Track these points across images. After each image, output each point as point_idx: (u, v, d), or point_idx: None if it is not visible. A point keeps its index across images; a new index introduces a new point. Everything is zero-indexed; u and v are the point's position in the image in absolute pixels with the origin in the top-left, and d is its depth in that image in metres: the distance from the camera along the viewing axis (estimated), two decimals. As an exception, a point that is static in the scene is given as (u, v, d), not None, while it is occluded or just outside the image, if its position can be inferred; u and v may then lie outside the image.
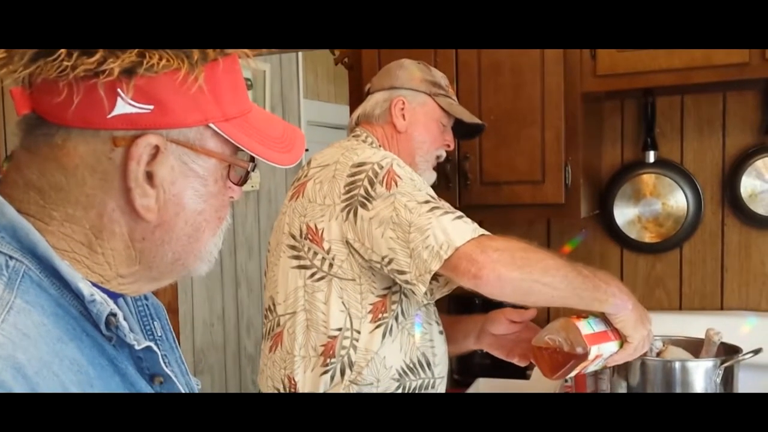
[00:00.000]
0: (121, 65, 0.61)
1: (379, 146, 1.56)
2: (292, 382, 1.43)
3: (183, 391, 0.74)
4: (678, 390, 1.51)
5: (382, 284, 1.42)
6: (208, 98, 0.66)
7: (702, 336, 1.59)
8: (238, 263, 3.08)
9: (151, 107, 0.64)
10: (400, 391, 1.44)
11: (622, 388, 1.59)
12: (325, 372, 1.41)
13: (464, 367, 2.18)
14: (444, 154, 1.67)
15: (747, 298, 2.12)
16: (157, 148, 0.65)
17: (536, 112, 1.93)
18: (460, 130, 1.69)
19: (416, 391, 1.46)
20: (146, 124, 0.64)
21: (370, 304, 1.41)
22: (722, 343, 1.58)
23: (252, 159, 0.72)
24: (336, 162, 1.42)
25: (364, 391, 1.41)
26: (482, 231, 1.30)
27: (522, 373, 2.14)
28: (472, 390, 1.90)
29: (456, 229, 1.28)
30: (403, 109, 1.58)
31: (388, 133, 1.59)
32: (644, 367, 1.53)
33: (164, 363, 0.71)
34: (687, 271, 2.17)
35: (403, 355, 1.44)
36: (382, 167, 1.36)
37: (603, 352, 1.39)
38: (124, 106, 0.63)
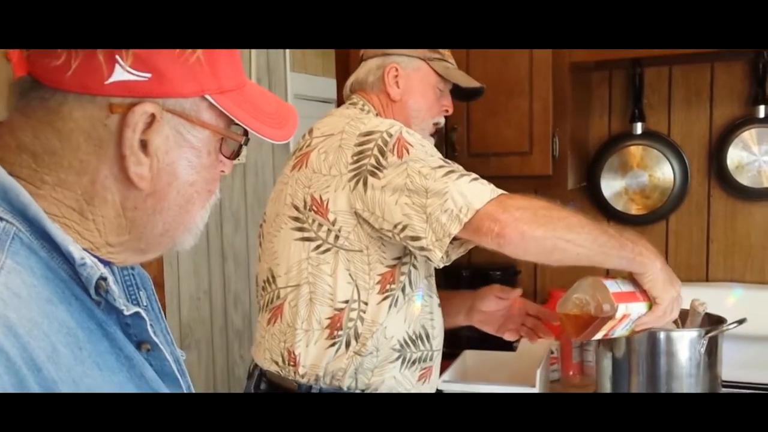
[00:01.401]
0: None
1: (377, 115, 1.53)
2: (292, 355, 1.42)
3: (169, 359, 0.74)
4: (663, 359, 1.52)
5: (392, 254, 1.40)
6: (205, 70, 0.66)
7: (687, 307, 1.59)
8: (225, 237, 3.06)
9: (149, 75, 0.64)
10: (399, 361, 1.44)
11: (607, 359, 1.60)
12: (332, 345, 1.40)
13: (452, 339, 2.17)
14: (443, 121, 1.63)
15: (732, 269, 2.13)
16: (152, 117, 0.65)
17: (524, 83, 1.92)
18: (459, 92, 1.65)
19: (416, 363, 1.46)
20: (143, 92, 0.64)
21: (378, 275, 1.39)
22: (707, 314, 1.59)
23: (245, 133, 0.72)
24: (341, 131, 1.39)
25: (365, 362, 1.41)
26: (500, 191, 1.29)
27: (509, 346, 2.15)
28: (458, 362, 1.91)
29: (474, 191, 1.27)
30: (396, 76, 1.54)
31: (383, 102, 1.56)
32: (629, 337, 1.53)
33: (152, 331, 0.71)
34: (673, 243, 2.18)
35: (406, 327, 1.44)
36: (391, 135, 1.34)
37: (631, 312, 1.35)
38: (122, 73, 0.63)
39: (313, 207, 1.38)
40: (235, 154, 0.74)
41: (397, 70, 1.54)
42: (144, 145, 0.66)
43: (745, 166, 2.06)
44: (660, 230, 2.18)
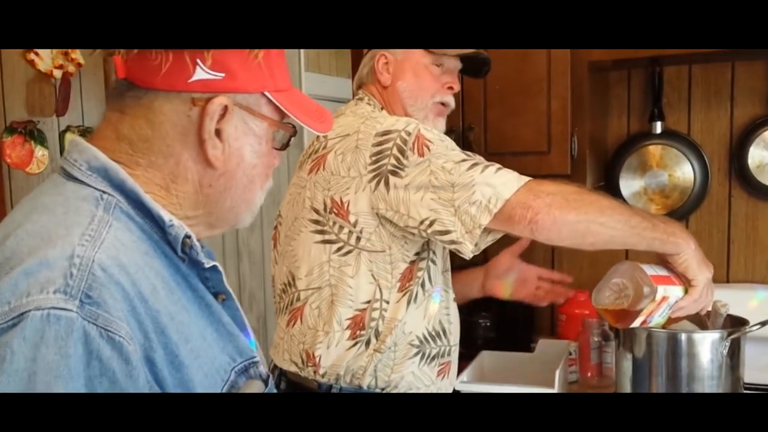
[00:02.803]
0: None
1: (382, 108, 1.52)
2: (312, 356, 1.42)
3: (240, 311, 0.87)
4: (684, 361, 1.50)
5: (414, 250, 1.40)
6: (265, 72, 0.81)
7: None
8: (240, 237, 3.07)
9: (223, 75, 0.78)
10: (419, 358, 1.43)
11: (627, 360, 1.58)
12: (354, 345, 1.39)
13: (468, 339, 2.17)
14: (450, 99, 1.56)
15: (753, 270, 2.10)
16: (225, 108, 0.79)
17: (542, 82, 1.91)
18: (470, 69, 1.60)
19: (435, 359, 1.46)
20: (218, 88, 0.78)
21: (400, 273, 1.39)
22: (729, 315, 1.56)
23: (293, 127, 0.86)
24: (357, 131, 1.38)
25: (384, 359, 1.40)
26: (526, 178, 1.29)
27: (526, 346, 2.14)
28: (476, 362, 1.89)
29: (501, 181, 1.27)
30: (387, 63, 1.52)
31: (379, 91, 1.54)
32: (650, 338, 1.52)
33: (226, 283, 0.85)
34: (693, 244, 2.15)
35: (426, 323, 1.43)
36: (409, 134, 1.33)
37: (669, 295, 1.33)
38: (201, 73, 0.77)
39: (334, 209, 1.38)
40: (284, 146, 0.87)
41: (386, 57, 1.53)
42: (218, 133, 0.80)
43: (767, 166, 2.04)
44: (679, 230, 2.16)
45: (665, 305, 1.35)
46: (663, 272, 1.35)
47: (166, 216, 0.79)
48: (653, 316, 1.36)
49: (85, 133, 2.27)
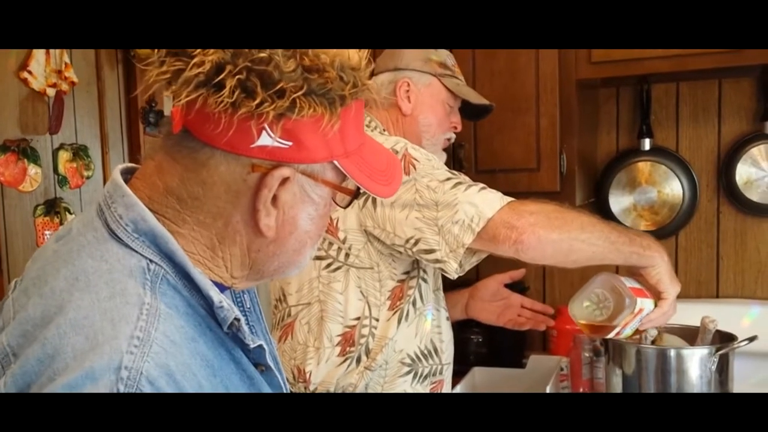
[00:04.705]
0: (276, 110, 0.69)
1: (383, 131, 1.53)
2: (302, 372, 1.42)
3: (278, 377, 0.84)
4: (673, 377, 1.50)
5: (402, 269, 1.41)
6: (337, 138, 0.74)
7: (697, 324, 1.58)
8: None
9: (290, 144, 0.72)
10: (411, 376, 1.44)
11: (617, 376, 1.59)
12: (344, 361, 1.40)
13: (460, 356, 2.17)
14: (453, 136, 1.63)
15: (742, 285, 2.12)
16: (286, 179, 0.73)
17: (531, 100, 1.93)
18: (468, 111, 1.65)
19: (427, 378, 1.46)
20: (283, 157, 0.72)
21: (389, 291, 1.40)
22: (717, 331, 1.57)
23: (357, 189, 0.80)
24: None
25: (375, 377, 1.41)
26: (509, 198, 1.30)
27: (518, 362, 2.14)
28: (467, 378, 1.90)
29: (484, 200, 1.28)
30: (408, 91, 1.54)
31: (393, 117, 1.56)
32: (639, 354, 1.53)
33: (269, 358, 0.81)
34: (682, 259, 2.17)
35: (418, 341, 1.44)
36: (397, 152, 1.34)
37: (644, 307, 1.33)
38: (267, 139, 0.71)
39: None
40: (347, 204, 0.82)
41: (408, 85, 1.54)
42: (274, 199, 0.74)
43: (754, 182, 2.06)
44: (669, 247, 2.17)
45: (638, 318, 1.36)
46: (635, 285, 1.36)
47: (215, 297, 0.73)
48: (626, 327, 1.37)
49: (78, 151, 2.28)
